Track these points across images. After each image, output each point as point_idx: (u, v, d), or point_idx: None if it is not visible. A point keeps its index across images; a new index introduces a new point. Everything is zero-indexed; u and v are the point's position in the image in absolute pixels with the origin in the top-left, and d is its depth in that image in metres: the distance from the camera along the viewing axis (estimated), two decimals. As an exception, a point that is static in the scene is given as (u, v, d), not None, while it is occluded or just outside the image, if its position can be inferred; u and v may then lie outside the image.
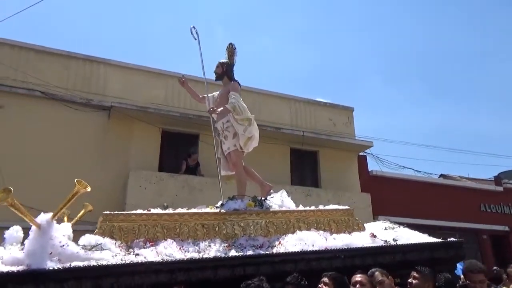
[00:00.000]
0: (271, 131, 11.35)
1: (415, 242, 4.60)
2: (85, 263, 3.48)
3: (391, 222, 5.18)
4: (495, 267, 8.04)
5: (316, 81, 39.73)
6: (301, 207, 4.85)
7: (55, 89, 9.97)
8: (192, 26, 5.49)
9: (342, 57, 40.21)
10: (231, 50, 5.43)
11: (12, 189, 3.33)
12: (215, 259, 3.77)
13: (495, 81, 41.53)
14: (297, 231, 4.41)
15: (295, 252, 4.00)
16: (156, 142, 10.72)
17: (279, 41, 39.17)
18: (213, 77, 5.53)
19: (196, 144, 10.84)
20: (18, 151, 9.17)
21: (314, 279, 3.69)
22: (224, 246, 4.03)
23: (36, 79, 9.83)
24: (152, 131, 10.65)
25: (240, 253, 3.92)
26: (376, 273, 3.82)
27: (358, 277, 3.65)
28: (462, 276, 4.64)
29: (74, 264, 3.46)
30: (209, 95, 5.56)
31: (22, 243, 3.66)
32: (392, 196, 12.24)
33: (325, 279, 3.55)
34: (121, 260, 3.62)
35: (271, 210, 4.64)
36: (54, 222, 3.64)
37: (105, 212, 4.14)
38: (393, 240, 4.57)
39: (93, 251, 3.62)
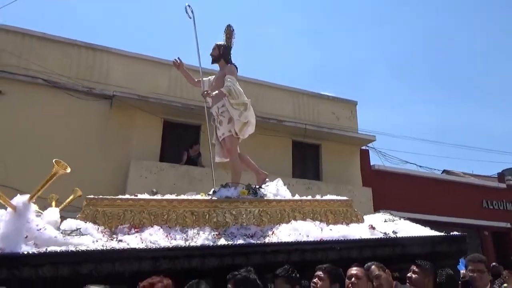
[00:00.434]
0: (273, 123, 11.08)
1: (416, 235, 4.25)
2: (63, 248, 3.19)
3: (391, 214, 4.83)
4: (493, 263, 7.80)
5: (320, 75, 39.19)
6: (297, 197, 4.52)
7: (58, 77, 9.69)
8: (187, 4, 5.15)
9: (347, 51, 39.67)
10: (229, 32, 5.06)
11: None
12: (202, 247, 3.47)
13: (501, 78, 40.80)
14: (292, 221, 4.09)
15: (287, 242, 3.70)
16: (158, 132, 10.44)
17: (285, 34, 38.65)
18: (209, 60, 5.18)
19: (198, 135, 10.55)
20: (20, 138, 8.93)
21: (308, 271, 3.39)
22: (213, 235, 3.72)
23: (39, 67, 9.55)
24: (154, 121, 10.37)
25: (230, 242, 3.61)
26: (373, 267, 3.53)
27: (354, 270, 3.35)
28: (463, 272, 4.33)
29: (51, 249, 3.18)
30: (204, 78, 5.23)
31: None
32: (394, 190, 11.88)
33: (320, 273, 3.25)
34: (102, 246, 3.32)
35: (265, 198, 4.31)
36: (32, 204, 3.35)
37: (89, 196, 3.84)
38: (392, 232, 4.23)
39: (72, 235, 3.32)
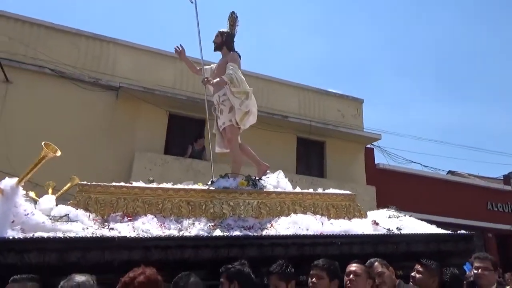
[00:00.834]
0: (278, 119, 10.88)
1: (421, 232, 4.01)
2: (51, 234, 3.00)
3: (396, 210, 4.58)
4: None
5: (327, 72, 38.56)
6: (298, 189, 4.29)
7: (65, 67, 9.55)
8: None
9: (355, 48, 38.97)
10: (232, 19, 4.82)
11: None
12: (195, 238, 3.26)
13: (510, 78, 39.94)
14: (292, 214, 3.86)
15: (284, 235, 3.48)
16: (163, 125, 10.28)
17: (292, 29, 38.07)
18: (212, 49, 4.94)
19: (203, 128, 10.35)
20: (26, 126, 8.78)
21: (306, 265, 3.17)
22: (209, 226, 3.51)
23: (46, 56, 9.42)
24: (159, 114, 10.21)
25: (225, 234, 3.39)
26: (376, 263, 3.31)
27: (352, 267, 3.13)
28: (469, 273, 4.08)
29: (38, 234, 2.99)
30: (207, 66, 5.00)
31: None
32: (397, 190, 11.60)
33: (318, 272, 3.00)
34: (92, 233, 3.12)
35: (264, 190, 4.09)
36: (20, 188, 3.15)
37: (82, 182, 3.64)
38: (396, 229, 3.99)
39: (61, 222, 3.12)
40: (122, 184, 3.76)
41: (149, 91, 9.86)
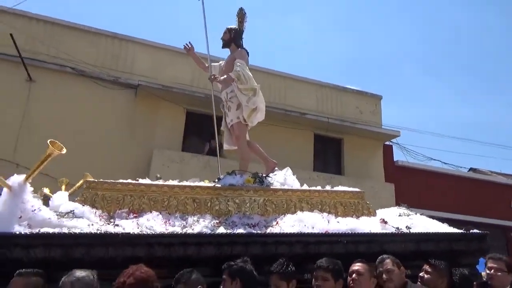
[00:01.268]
0: (295, 116, 10.83)
1: (431, 231, 3.89)
2: (56, 230, 3.04)
3: (407, 208, 4.47)
4: None
5: (346, 68, 37.74)
6: (305, 186, 4.22)
7: (85, 66, 9.71)
8: None
9: (375, 43, 37.97)
10: (241, 16, 4.78)
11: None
12: (197, 235, 3.25)
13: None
14: (298, 211, 3.80)
15: (288, 233, 3.42)
16: (181, 122, 10.35)
17: (310, 25, 37.39)
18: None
19: (220, 126, 10.35)
20: (48, 124, 8.95)
21: (311, 264, 3.13)
22: (213, 223, 3.50)
23: (67, 55, 9.59)
24: (177, 111, 10.28)
25: (229, 231, 3.37)
26: (387, 260, 3.22)
27: (355, 266, 3.10)
28: (483, 273, 3.94)
29: (44, 230, 3.03)
30: (215, 63, 4.98)
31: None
32: (417, 187, 11.37)
33: (322, 273, 2.96)
34: (97, 230, 3.15)
35: (271, 187, 4.04)
36: (28, 185, 3.20)
37: (89, 179, 3.68)
38: (406, 227, 3.88)
39: (67, 218, 3.16)
40: (129, 181, 3.77)
41: (167, 89, 9.94)
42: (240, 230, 3.42)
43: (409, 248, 3.70)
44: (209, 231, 3.33)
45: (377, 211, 4.29)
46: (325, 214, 3.83)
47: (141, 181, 3.80)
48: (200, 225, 3.40)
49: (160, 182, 3.90)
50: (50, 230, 3.03)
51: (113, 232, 3.10)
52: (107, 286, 2.60)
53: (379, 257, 3.27)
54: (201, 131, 10.46)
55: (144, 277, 2.50)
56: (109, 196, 3.56)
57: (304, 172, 10.48)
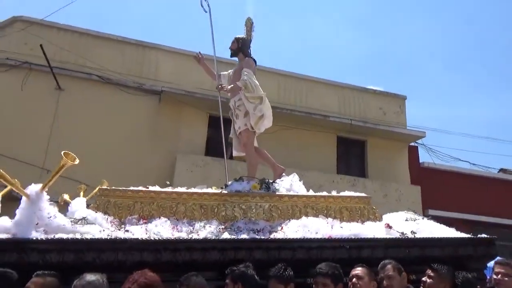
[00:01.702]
0: (318, 118, 10.88)
1: (437, 236, 3.93)
2: (70, 236, 3.28)
3: (415, 213, 4.49)
4: None
5: (368, 68, 37.01)
6: (311, 192, 4.33)
7: (110, 74, 10.11)
8: None
9: (398, 42, 37.01)
10: (249, 25, 4.97)
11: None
12: (202, 241, 3.41)
13: None
14: (303, 217, 3.92)
15: (290, 239, 3.53)
16: (204, 127, 10.61)
17: (331, 25, 36.90)
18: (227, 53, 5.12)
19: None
20: (77, 130, 9.39)
21: (314, 268, 3.23)
22: (220, 228, 3.66)
23: (94, 64, 10.01)
24: (200, 116, 10.55)
25: (233, 237, 3.52)
26: (389, 266, 3.29)
27: (355, 270, 3.18)
28: (490, 278, 3.94)
29: (59, 236, 3.27)
30: (224, 72, 5.17)
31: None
32: (444, 189, 11.19)
33: (322, 280, 3.06)
34: (108, 235, 3.37)
35: (277, 193, 4.17)
36: (44, 193, 3.46)
37: (102, 187, 3.92)
38: (411, 232, 3.93)
39: (80, 224, 3.40)
40: (140, 188, 3.98)
41: (190, 94, 10.22)
42: (244, 236, 3.56)
43: (413, 253, 3.75)
44: (214, 237, 3.49)
45: (383, 216, 4.34)
46: (329, 219, 3.93)
47: (150, 188, 4.01)
48: (206, 230, 3.57)
49: (169, 189, 4.10)
50: (64, 236, 3.26)
51: (122, 238, 3.30)
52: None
53: (381, 263, 3.34)
54: (224, 135, 10.67)
55: (148, 284, 2.66)
56: (121, 203, 3.78)
57: (327, 175, 10.56)
